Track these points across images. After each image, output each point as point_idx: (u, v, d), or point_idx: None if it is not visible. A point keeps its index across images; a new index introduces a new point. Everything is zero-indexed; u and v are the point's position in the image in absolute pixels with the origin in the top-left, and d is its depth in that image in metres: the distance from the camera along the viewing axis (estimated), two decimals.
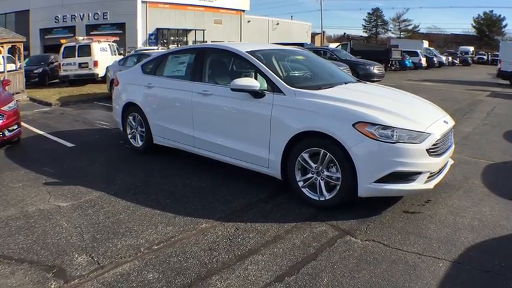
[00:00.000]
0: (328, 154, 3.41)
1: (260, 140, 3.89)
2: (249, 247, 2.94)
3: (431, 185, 3.40)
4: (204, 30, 30.73)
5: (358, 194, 3.32)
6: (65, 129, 7.27)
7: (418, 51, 20.64)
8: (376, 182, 3.24)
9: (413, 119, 3.40)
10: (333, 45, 28.40)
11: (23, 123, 7.65)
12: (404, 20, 62.83)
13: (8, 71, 11.04)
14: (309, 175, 3.61)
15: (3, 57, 10.78)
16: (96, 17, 27.52)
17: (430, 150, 3.32)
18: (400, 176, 3.25)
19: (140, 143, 5.43)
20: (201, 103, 4.45)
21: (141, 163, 5.02)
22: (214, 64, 4.63)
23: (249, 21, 36.84)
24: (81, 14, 27.71)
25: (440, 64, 30.99)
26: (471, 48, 44.47)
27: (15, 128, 5.87)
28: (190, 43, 29.68)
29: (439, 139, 3.40)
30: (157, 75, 5.19)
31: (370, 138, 3.21)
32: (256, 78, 3.99)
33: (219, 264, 2.71)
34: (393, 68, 23.22)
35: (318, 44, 48.68)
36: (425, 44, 32.94)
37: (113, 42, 16.12)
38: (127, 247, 2.93)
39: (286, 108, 3.70)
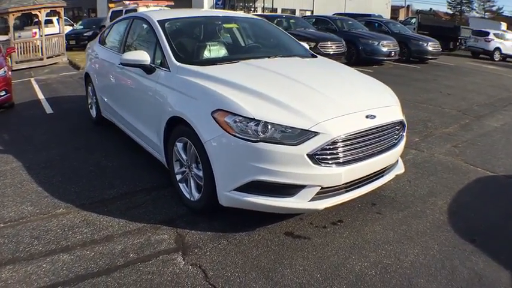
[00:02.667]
0: (193, 147, 2.56)
1: (151, 122, 3.17)
2: (69, 243, 2.46)
3: (320, 205, 2.34)
4: None
5: (219, 201, 2.45)
6: (64, 95, 7.24)
7: (491, 32, 16.93)
8: (236, 190, 2.33)
9: (303, 110, 2.32)
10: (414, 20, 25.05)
11: (36, 87, 7.95)
12: (488, 0, 54.77)
13: (46, 35, 11.37)
14: (183, 169, 2.82)
15: (39, 21, 11.00)
16: None
17: (318, 156, 2.26)
18: (267, 188, 2.28)
19: (95, 114, 5.05)
20: (118, 77, 3.86)
21: (84, 135, 4.65)
22: (134, 34, 3.90)
23: None
24: None
25: None
26: None
27: (2, 94, 5.89)
28: (259, 10, 28.55)
29: (339, 141, 2.30)
30: (104, 45, 4.66)
31: (228, 132, 2.27)
32: (156, 50, 3.21)
33: (25, 255, 2.34)
34: (463, 47, 19.70)
35: (401, 17, 43.85)
36: (503, 26, 27.60)
37: (165, 6, 15.90)
38: None
39: (165, 87, 2.91)
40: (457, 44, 19.06)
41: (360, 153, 2.45)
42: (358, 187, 2.56)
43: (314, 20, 12.76)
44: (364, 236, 2.52)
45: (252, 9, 28.05)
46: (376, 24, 13.67)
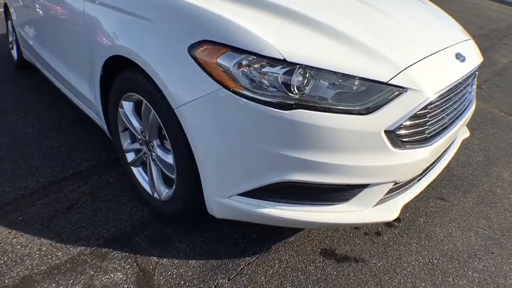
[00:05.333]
0: (152, 111, 1.33)
1: (80, 67, 1.83)
2: None
3: (391, 212, 1.26)
4: None
5: (208, 209, 1.31)
6: None
7: None
8: (243, 195, 1.20)
9: (373, 45, 1.14)
10: None
11: None
12: None
13: None
14: (137, 145, 1.61)
15: None
16: None
17: (401, 133, 1.16)
18: (304, 191, 1.17)
19: (16, 56, 3.49)
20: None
21: (2, 87, 3.13)
22: None
23: None
24: None
25: None
26: None
27: None
28: None
29: (433, 101, 1.19)
30: None
31: (226, 87, 1.05)
32: None
33: None
34: None
35: None
36: None
37: None
38: None
39: (98, 6, 1.55)
40: None
41: (447, 119, 1.37)
42: (429, 171, 1.52)
43: None
44: (440, 247, 1.53)
45: None
46: None
